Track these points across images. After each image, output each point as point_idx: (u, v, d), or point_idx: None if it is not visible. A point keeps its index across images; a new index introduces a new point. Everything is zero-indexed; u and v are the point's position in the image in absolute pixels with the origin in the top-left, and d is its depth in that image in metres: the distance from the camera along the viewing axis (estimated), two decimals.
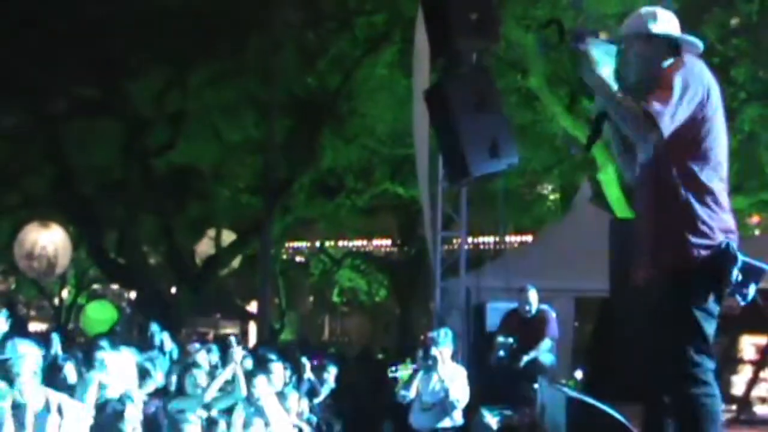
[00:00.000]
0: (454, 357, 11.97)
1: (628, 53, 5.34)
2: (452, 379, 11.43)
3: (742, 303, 5.11)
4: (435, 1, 12.48)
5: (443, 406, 11.40)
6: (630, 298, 5.40)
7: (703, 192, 5.07)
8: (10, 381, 7.42)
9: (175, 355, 13.76)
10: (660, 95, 4.93)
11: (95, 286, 38.91)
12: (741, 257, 5.01)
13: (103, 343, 10.93)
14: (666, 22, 5.33)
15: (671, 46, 5.27)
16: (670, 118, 4.92)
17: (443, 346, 11.66)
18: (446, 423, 11.49)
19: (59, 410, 7.32)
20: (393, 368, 12.14)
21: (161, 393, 10.78)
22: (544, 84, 21.04)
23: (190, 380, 10.63)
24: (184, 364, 11.70)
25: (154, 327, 14.12)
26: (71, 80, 22.07)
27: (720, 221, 5.09)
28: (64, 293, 37.52)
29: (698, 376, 4.93)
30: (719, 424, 4.99)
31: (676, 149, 5.05)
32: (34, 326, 28.53)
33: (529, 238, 25.54)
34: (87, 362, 9.89)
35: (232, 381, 10.52)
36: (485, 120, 12.14)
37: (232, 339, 11.09)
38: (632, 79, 5.25)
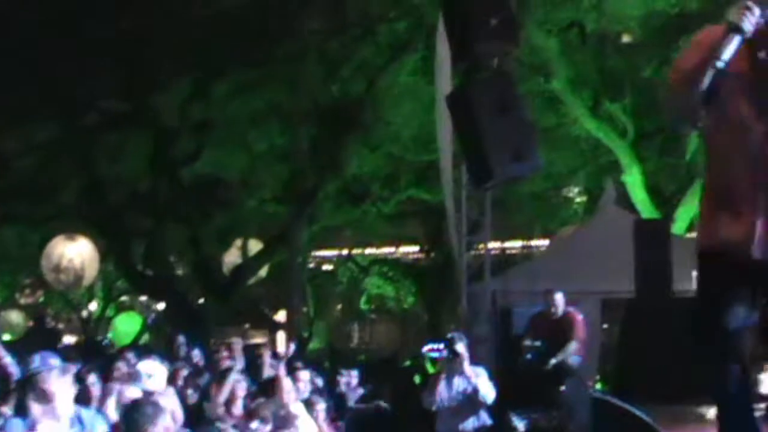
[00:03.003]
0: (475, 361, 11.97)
1: None
2: (477, 375, 11.40)
3: None
4: (455, 7, 12.53)
5: (472, 404, 11.35)
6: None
7: None
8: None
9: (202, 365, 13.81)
10: None
11: (123, 298, 39.07)
12: None
13: (129, 354, 10.99)
14: None
15: None
16: None
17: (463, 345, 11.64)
18: (474, 423, 11.46)
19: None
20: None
21: None
22: (567, 87, 21.07)
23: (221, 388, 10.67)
24: (215, 373, 11.75)
25: (181, 339, 14.19)
26: (101, 93, 22.21)
27: None
28: (92, 305, 37.70)
29: None
30: None
31: None
32: (63, 339, 28.68)
33: (554, 241, 25.50)
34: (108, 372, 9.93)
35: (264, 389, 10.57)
36: (508, 124, 12.18)
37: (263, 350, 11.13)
38: None
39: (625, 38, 22.24)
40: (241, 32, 21.09)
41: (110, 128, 22.93)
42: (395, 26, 22.15)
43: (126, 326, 33.15)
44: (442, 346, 11.61)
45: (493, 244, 19.62)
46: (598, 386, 15.87)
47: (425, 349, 23.62)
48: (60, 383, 6.55)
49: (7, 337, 28.25)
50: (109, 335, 34.14)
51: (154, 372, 9.14)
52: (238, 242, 26.62)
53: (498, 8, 12.09)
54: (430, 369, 13.39)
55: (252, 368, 12.31)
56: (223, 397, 10.41)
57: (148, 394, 8.99)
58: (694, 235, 24.52)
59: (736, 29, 3.90)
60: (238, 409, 10.47)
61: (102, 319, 37.12)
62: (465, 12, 12.24)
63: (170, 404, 8.91)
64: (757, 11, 3.90)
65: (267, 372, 12.19)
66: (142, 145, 22.80)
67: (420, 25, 20.84)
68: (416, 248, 35.53)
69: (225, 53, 21.41)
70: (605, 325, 17.63)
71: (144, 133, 22.83)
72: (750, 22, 3.89)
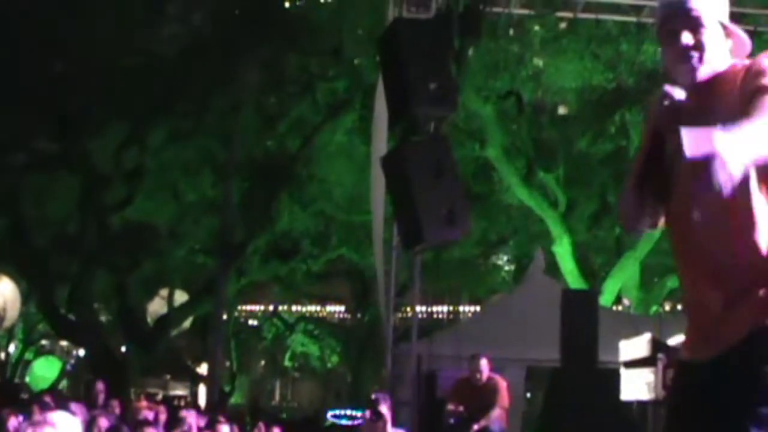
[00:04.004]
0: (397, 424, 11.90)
1: None
2: None
3: None
4: (395, 70, 12.57)
5: None
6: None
7: None
8: None
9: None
10: None
11: (43, 342, 38.43)
12: None
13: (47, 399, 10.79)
14: None
15: None
16: None
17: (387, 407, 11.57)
18: None
19: None
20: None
21: None
22: (501, 154, 21.22)
23: None
24: (134, 423, 11.57)
25: (100, 386, 14.01)
26: (30, 134, 21.97)
27: None
28: (11, 348, 37.03)
29: None
30: None
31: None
32: None
33: (482, 306, 25.60)
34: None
35: None
36: (441, 188, 12.19)
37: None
38: None
39: (561, 110, 22.51)
40: (177, 82, 21.03)
41: (38, 169, 22.66)
42: (334, 85, 22.24)
43: (44, 370, 32.59)
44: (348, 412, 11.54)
45: (421, 308, 19.64)
46: None
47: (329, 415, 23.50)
48: None
49: None
50: (27, 379, 33.56)
51: (65, 425, 8.92)
52: (164, 292, 26.36)
53: (437, 72, 12.15)
54: None
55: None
56: None
57: None
58: (620, 308, 24.74)
59: None
60: None
61: (20, 361, 36.46)
62: (404, 74, 12.29)
63: None
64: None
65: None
66: (71, 188, 22.52)
67: (359, 85, 20.95)
68: (342, 308, 35.48)
69: (160, 102, 21.32)
70: (529, 393, 17.66)
71: (74, 176, 22.57)
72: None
